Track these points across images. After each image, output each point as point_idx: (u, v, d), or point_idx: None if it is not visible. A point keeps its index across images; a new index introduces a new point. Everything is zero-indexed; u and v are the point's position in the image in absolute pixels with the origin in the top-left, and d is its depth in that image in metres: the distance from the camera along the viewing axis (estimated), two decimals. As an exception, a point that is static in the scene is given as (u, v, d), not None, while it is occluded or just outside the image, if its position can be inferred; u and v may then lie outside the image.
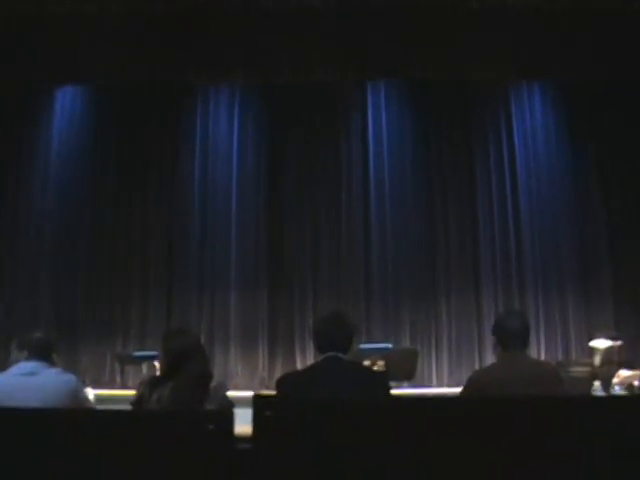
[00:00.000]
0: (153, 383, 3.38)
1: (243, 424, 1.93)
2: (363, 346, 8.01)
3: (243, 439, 1.79)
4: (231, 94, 10.13)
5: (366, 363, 6.75)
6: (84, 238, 9.73)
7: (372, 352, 7.54)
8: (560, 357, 9.17)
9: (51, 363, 3.82)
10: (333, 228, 9.83)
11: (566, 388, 3.73)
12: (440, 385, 9.15)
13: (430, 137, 10.04)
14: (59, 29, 8.69)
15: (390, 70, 9.19)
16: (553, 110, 10.02)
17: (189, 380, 3.32)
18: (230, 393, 3.59)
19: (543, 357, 8.99)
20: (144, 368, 8.32)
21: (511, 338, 3.46)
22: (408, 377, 7.91)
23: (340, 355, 3.36)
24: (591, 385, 6.39)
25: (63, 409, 3.13)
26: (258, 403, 1.69)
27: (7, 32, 8.61)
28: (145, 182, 9.94)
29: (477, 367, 8.52)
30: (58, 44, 8.81)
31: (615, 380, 5.67)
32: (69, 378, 3.77)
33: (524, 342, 3.51)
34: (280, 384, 3.34)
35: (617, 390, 5.86)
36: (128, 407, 3.41)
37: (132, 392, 3.54)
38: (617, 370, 6.63)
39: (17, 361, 3.79)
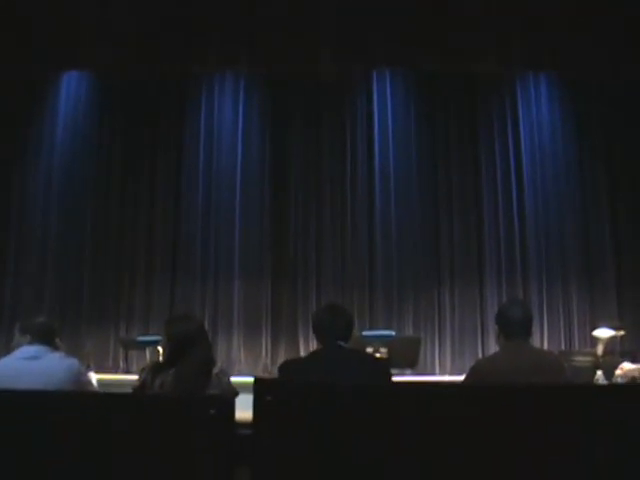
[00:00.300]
0: (155, 369, 3.39)
1: (246, 410, 1.92)
2: (366, 333, 8.02)
3: (246, 425, 1.80)
4: (236, 82, 10.10)
5: (369, 350, 6.77)
6: (88, 223, 9.73)
7: (375, 339, 7.54)
8: (563, 346, 9.17)
9: (54, 347, 3.84)
10: (337, 216, 9.82)
11: (569, 377, 3.73)
12: (443, 373, 9.16)
13: (436, 128, 10.00)
14: (64, 15, 8.69)
15: (396, 59, 9.18)
16: (560, 102, 9.97)
17: (192, 366, 3.33)
18: (233, 379, 3.60)
19: (546, 346, 8.99)
20: (148, 353, 8.34)
21: (514, 327, 3.47)
22: (411, 365, 7.91)
23: (342, 343, 3.38)
24: (594, 375, 6.38)
25: (65, 391, 3.14)
26: (258, 387, 1.70)
27: (13, 17, 8.61)
28: (150, 169, 9.94)
29: (480, 356, 8.52)
30: (63, 30, 8.82)
31: (618, 372, 5.66)
32: (72, 362, 3.79)
33: (527, 331, 3.52)
34: (282, 370, 3.36)
35: (619, 381, 5.85)
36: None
37: (135, 377, 3.55)
38: (620, 360, 6.62)
39: (20, 345, 3.81)
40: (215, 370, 3.43)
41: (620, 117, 9.61)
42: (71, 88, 10.01)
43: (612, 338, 7.47)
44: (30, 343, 3.77)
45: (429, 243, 9.73)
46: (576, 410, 1.80)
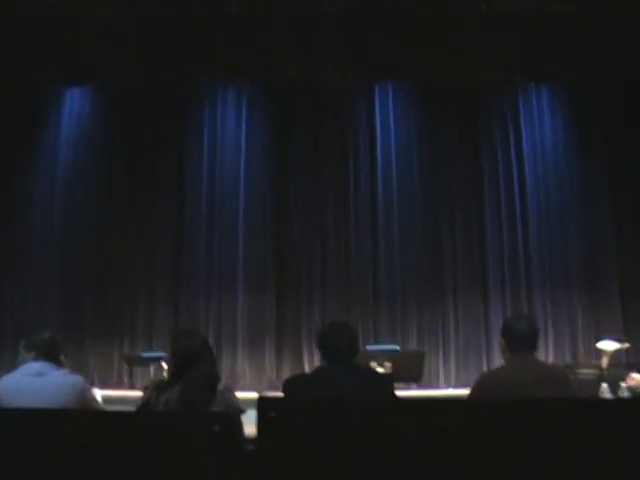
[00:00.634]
0: (160, 387, 3.38)
1: (251, 426, 1.92)
2: (370, 347, 8.02)
3: (250, 441, 1.80)
4: (238, 95, 10.14)
5: (373, 364, 6.76)
6: (92, 238, 9.74)
7: (379, 354, 7.53)
8: (568, 359, 9.15)
9: (59, 364, 3.84)
10: (341, 230, 9.82)
11: (574, 391, 3.72)
12: (447, 387, 9.13)
13: (438, 140, 10.01)
14: (67, 30, 8.74)
15: (397, 71, 9.20)
16: (561, 113, 9.99)
17: (197, 382, 3.33)
18: (237, 394, 3.59)
19: (551, 359, 8.97)
20: (152, 369, 8.34)
21: (520, 341, 3.47)
22: (415, 379, 7.90)
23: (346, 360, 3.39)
24: (599, 387, 6.37)
25: (70, 410, 3.14)
26: (262, 405, 1.70)
27: (17, 32, 8.66)
28: (153, 183, 9.95)
29: (485, 369, 8.49)
30: (66, 45, 8.86)
31: (630, 382, 5.64)
32: (76, 379, 3.79)
33: (533, 345, 3.52)
34: (286, 386, 3.36)
35: (625, 393, 5.84)
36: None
37: (139, 393, 3.54)
38: (624, 372, 6.60)
39: (25, 362, 3.81)
40: (220, 386, 3.43)
41: (623, 127, 9.61)
42: (74, 102, 10.05)
43: (617, 351, 7.45)
44: (35, 359, 3.77)
45: (432, 256, 9.72)
46: (582, 424, 1.80)
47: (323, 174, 9.92)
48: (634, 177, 9.66)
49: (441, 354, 9.45)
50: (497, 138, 9.96)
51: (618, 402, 3.22)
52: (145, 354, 8.52)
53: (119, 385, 9.04)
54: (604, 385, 6.41)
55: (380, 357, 7.31)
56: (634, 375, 5.71)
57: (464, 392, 3.65)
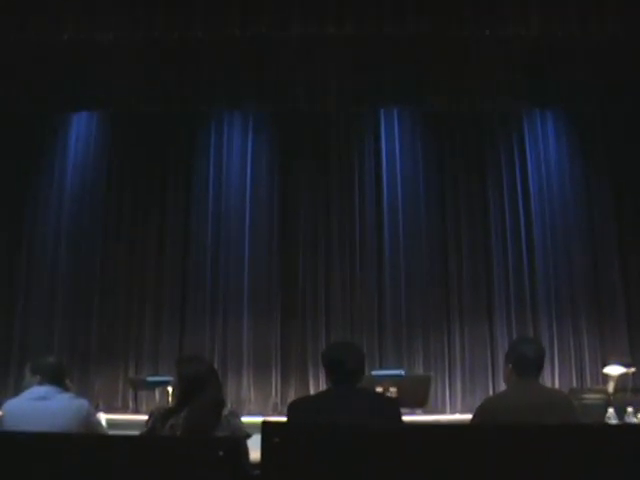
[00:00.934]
0: (165, 413, 3.38)
1: (256, 450, 1.92)
2: (375, 372, 7.98)
3: (256, 465, 1.79)
4: (244, 120, 10.20)
5: (378, 389, 6.73)
6: (97, 263, 9.77)
7: (384, 378, 7.50)
8: (574, 384, 9.09)
9: (64, 388, 3.84)
10: (346, 255, 9.83)
11: (578, 416, 3.69)
12: (453, 412, 9.08)
13: (443, 165, 10.03)
14: (76, 57, 8.81)
15: (403, 97, 9.25)
16: (567, 138, 10.01)
17: (202, 408, 3.32)
18: (243, 419, 3.58)
19: (557, 384, 8.92)
20: (157, 393, 8.33)
21: (527, 365, 3.43)
22: (421, 404, 7.86)
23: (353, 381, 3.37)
24: (605, 412, 6.32)
25: (74, 434, 3.14)
26: (266, 429, 1.70)
27: (25, 58, 8.74)
28: (159, 208, 9.99)
29: (490, 394, 8.45)
30: (74, 71, 8.94)
31: None
32: (81, 403, 3.79)
33: (539, 369, 3.49)
34: (292, 409, 3.34)
35: (632, 418, 5.80)
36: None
37: (145, 417, 3.53)
38: (632, 397, 6.58)
39: (30, 385, 3.81)
40: (225, 412, 3.42)
41: (627, 152, 9.62)
42: (80, 128, 10.13)
43: (623, 375, 7.41)
44: (40, 383, 3.77)
45: (438, 281, 9.71)
46: (587, 449, 1.79)
47: (328, 201, 9.94)
48: (639, 201, 9.65)
49: (447, 379, 9.41)
50: (502, 164, 9.97)
51: (624, 428, 3.19)
52: (150, 378, 8.49)
53: (124, 409, 9.02)
54: (610, 410, 6.36)
55: (385, 382, 7.28)
56: None
57: (470, 417, 3.63)
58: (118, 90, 9.15)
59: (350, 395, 3.31)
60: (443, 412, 9.04)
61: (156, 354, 9.49)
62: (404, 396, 7.07)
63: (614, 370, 7.48)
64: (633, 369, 7.67)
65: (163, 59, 8.92)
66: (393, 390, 7.13)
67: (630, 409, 5.70)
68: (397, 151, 10.03)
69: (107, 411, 7.00)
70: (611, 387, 7.19)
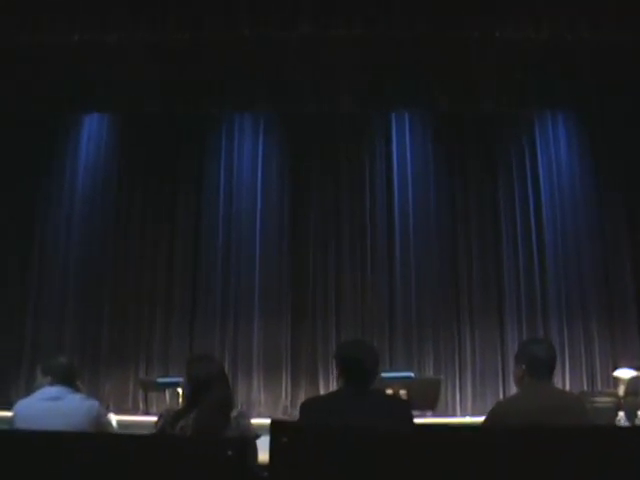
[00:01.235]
0: (175, 415, 3.38)
1: (265, 452, 1.92)
2: (385, 375, 7.95)
3: (264, 467, 1.79)
4: (255, 122, 10.22)
5: (388, 392, 6.71)
6: (108, 265, 9.80)
7: (394, 381, 7.50)
8: (585, 387, 9.06)
9: (75, 388, 3.84)
10: (356, 257, 9.83)
11: (590, 419, 3.66)
12: (464, 415, 9.06)
13: (454, 167, 10.03)
14: (85, 58, 8.85)
15: (413, 100, 9.24)
16: (578, 140, 9.99)
17: (211, 409, 3.31)
18: (253, 421, 3.57)
19: (568, 387, 8.89)
20: (167, 394, 8.35)
21: (539, 366, 3.38)
22: (431, 407, 7.85)
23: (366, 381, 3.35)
24: (615, 416, 6.30)
25: (85, 433, 3.14)
26: (275, 429, 1.70)
27: (36, 59, 8.78)
28: (170, 210, 10.02)
29: (501, 397, 8.43)
30: (86, 73, 8.98)
31: None
32: (92, 404, 3.80)
33: (551, 371, 3.44)
34: (304, 409, 3.32)
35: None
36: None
37: (155, 419, 3.53)
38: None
39: (42, 386, 3.82)
40: (234, 413, 3.40)
41: (639, 153, 9.57)
42: (92, 131, 10.18)
43: (634, 378, 7.37)
44: (51, 384, 3.78)
45: (449, 283, 9.70)
46: (598, 452, 1.78)
47: (339, 203, 9.96)
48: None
49: (457, 382, 9.40)
50: (513, 166, 9.97)
51: (635, 430, 3.17)
52: (161, 380, 8.52)
53: (134, 410, 9.05)
54: (621, 413, 6.34)
55: (395, 384, 7.27)
56: None
57: (480, 420, 3.61)
58: (129, 92, 9.19)
59: (362, 396, 3.29)
60: (453, 415, 9.02)
61: (166, 355, 9.52)
62: (414, 398, 7.06)
63: (625, 373, 7.44)
64: (644, 372, 7.62)
65: (173, 60, 8.94)
66: (403, 392, 7.11)
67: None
68: (408, 153, 10.03)
69: (117, 412, 7.04)
70: (622, 390, 7.16)
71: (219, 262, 9.82)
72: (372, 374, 3.37)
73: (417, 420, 4.62)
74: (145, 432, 3.42)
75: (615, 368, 8.05)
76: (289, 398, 9.34)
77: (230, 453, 1.68)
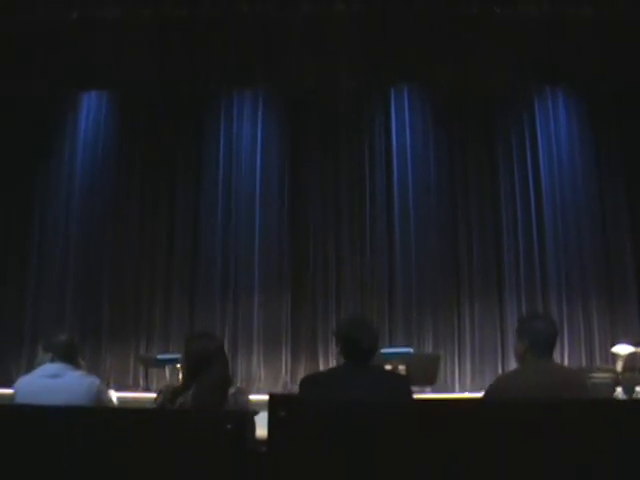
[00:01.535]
0: (173, 393, 3.39)
1: (263, 427, 1.92)
2: (384, 350, 7.98)
3: (262, 442, 1.80)
4: (254, 100, 10.17)
5: (387, 367, 6.74)
6: (108, 241, 9.79)
7: (393, 356, 7.52)
8: (584, 363, 9.09)
9: (76, 365, 3.86)
10: (356, 233, 9.83)
11: (590, 394, 3.67)
12: (462, 391, 9.10)
13: (454, 146, 9.99)
14: (85, 35, 8.80)
15: (413, 75, 9.20)
16: (577, 116, 9.94)
17: (209, 385, 3.32)
18: (253, 397, 3.59)
19: (566, 363, 8.91)
20: (167, 371, 8.37)
21: (542, 343, 3.36)
22: (430, 382, 7.88)
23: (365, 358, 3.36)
24: (613, 391, 6.32)
25: (85, 407, 3.16)
26: (273, 403, 1.70)
27: (33, 37, 8.73)
28: (169, 188, 10.00)
29: (500, 373, 8.45)
30: (84, 49, 8.92)
31: None
32: (92, 380, 3.81)
33: (552, 347, 3.43)
34: (303, 385, 3.35)
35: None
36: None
37: (155, 395, 3.55)
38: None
39: (42, 363, 3.84)
40: (232, 390, 3.41)
41: (638, 128, 9.54)
42: (90, 108, 10.12)
43: (632, 354, 7.38)
44: (52, 361, 3.80)
45: (448, 260, 9.70)
46: (597, 425, 1.79)
47: (339, 180, 9.93)
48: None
49: (456, 358, 9.42)
50: (513, 142, 9.93)
51: (634, 403, 3.18)
52: (161, 356, 8.54)
53: (135, 387, 9.08)
54: (618, 389, 6.37)
55: (394, 360, 7.29)
56: None
57: (479, 396, 3.61)
58: (127, 69, 9.13)
59: (361, 372, 3.31)
60: (452, 391, 9.06)
61: (167, 332, 9.55)
62: (413, 374, 7.07)
63: (623, 349, 7.45)
64: (643, 349, 7.64)
65: (172, 38, 8.89)
66: (402, 368, 7.13)
67: (638, 388, 5.70)
68: (407, 131, 9.99)
69: (118, 389, 7.08)
70: (620, 366, 7.17)
71: (219, 239, 9.81)
72: (371, 352, 3.40)
73: (416, 396, 4.64)
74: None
75: (613, 344, 8.07)
76: (289, 374, 9.37)
77: (229, 427, 1.69)
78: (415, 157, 9.92)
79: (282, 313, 9.59)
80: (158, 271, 9.78)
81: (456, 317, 9.56)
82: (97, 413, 2.16)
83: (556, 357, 8.54)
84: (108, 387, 4.77)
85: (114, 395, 4.73)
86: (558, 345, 8.80)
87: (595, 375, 7.05)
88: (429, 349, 9.35)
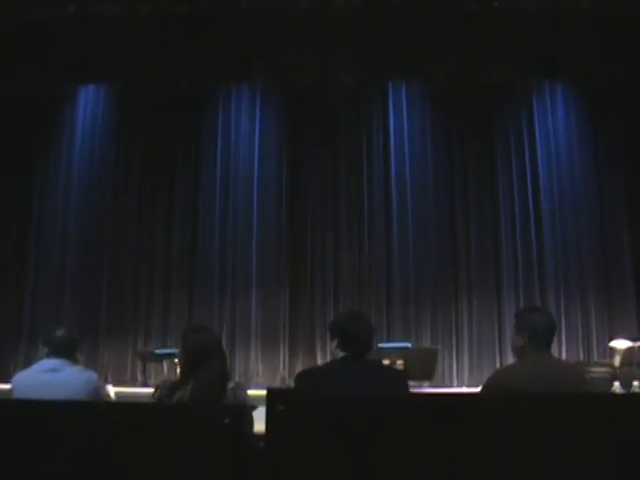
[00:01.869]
0: (171, 388, 3.38)
1: (262, 422, 1.92)
2: (382, 345, 8.00)
3: (260, 437, 1.79)
4: (252, 94, 10.16)
5: (385, 362, 6.74)
6: (107, 236, 9.80)
7: (391, 351, 7.53)
8: (581, 357, 9.11)
9: (74, 360, 3.85)
10: (354, 228, 9.83)
11: (588, 388, 3.66)
12: (460, 386, 9.11)
13: (451, 140, 9.99)
14: (84, 30, 8.79)
15: (411, 70, 9.18)
16: (576, 110, 9.94)
17: (208, 380, 3.32)
18: (251, 392, 3.58)
19: (564, 358, 8.92)
20: (165, 366, 8.37)
21: (540, 336, 3.35)
22: (427, 377, 7.88)
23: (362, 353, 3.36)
24: (611, 386, 6.34)
25: (83, 402, 3.15)
26: (271, 397, 1.69)
27: (32, 32, 8.71)
28: (168, 182, 10.00)
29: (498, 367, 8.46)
30: (82, 44, 8.91)
31: None
32: (90, 375, 3.81)
33: (550, 340, 3.43)
34: (299, 380, 3.34)
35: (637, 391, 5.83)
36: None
37: (153, 390, 3.54)
38: (638, 371, 6.59)
39: (43, 358, 3.84)
40: (230, 385, 3.41)
41: (637, 123, 9.53)
42: (88, 102, 10.13)
43: (629, 349, 7.40)
44: (49, 356, 3.79)
45: (446, 255, 9.71)
46: (595, 419, 1.79)
47: (337, 174, 9.95)
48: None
49: (454, 353, 9.43)
50: (511, 136, 9.93)
51: (632, 397, 3.18)
52: (158, 351, 8.55)
53: (133, 382, 9.09)
54: (616, 383, 6.38)
55: (392, 354, 7.29)
56: None
57: (477, 391, 3.61)
58: (125, 63, 9.12)
59: (358, 366, 3.30)
60: (450, 385, 9.07)
61: (165, 327, 9.56)
62: (411, 369, 7.08)
63: (620, 344, 7.47)
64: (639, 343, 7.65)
65: (170, 32, 8.88)
66: (400, 362, 7.13)
67: (636, 383, 5.71)
68: (405, 126, 9.99)
69: (116, 384, 7.07)
70: (617, 361, 7.19)
71: (217, 234, 9.81)
72: (367, 346, 3.39)
73: (414, 390, 4.65)
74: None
75: (611, 339, 8.08)
76: (287, 369, 9.38)
77: (227, 421, 1.68)
78: (413, 152, 9.91)
79: (280, 308, 9.59)
80: (156, 266, 9.79)
81: (454, 312, 9.57)
82: (94, 407, 2.16)
83: (554, 352, 8.52)
84: (106, 382, 4.76)
85: (112, 390, 4.73)
86: (556, 340, 8.79)
87: (593, 370, 7.06)
88: (427, 344, 9.35)
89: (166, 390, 3.37)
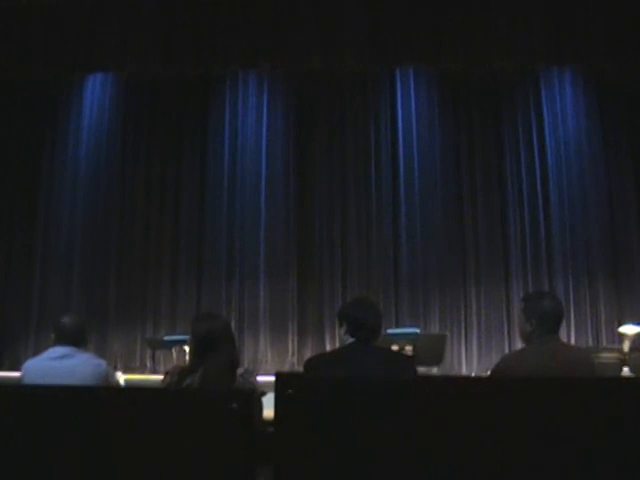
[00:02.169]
0: (180, 374, 3.39)
1: (271, 409, 1.92)
2: (391, 331, 8.00)
3: (269, 423, 1.80)
4: (259, 83, 10.14)
5: (394, 348, 6.75)
6: (115, 224, 9.82)
7: (400, 337, 7.53)
8: (590, 343, 9.09)
9: (83, 348, 3.87)
10: (362, 214, 9.81)
11: (597, 373, 3.65)
12: (469, 371, 9.12)
13: (459, 125, 9.95)
14: (89, 17, 8.77)
15: (418, 55, 9.13)
16: (584, 96, 9.87)
17: (217, 366, 3.33)
18: (260, 378, 3.59)
19: (573, 343, 8.91)
20: (174, 353, 8.39)
21: (549, 322, 3.34)
22: (436, 362, 7.89)
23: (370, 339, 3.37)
24: (620, 371, 6.32)
25: (91, 387, 3.16)
26: (280, 381, 1.70)
27: (37, 19, 8.71)
28: (175, 170, 10.01)
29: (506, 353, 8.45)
30: (88, 32, 8.89)
31: None
32: (99, 363, 3.82)
33: (558, 325, 3.41)
34: (308, 366, 3.35)
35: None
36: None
37: (162, 377, 3.55)
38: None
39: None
40: (240, 371, 3.42)
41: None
42: (95, 91, 10.12)
43: (639, 334, 7.38)
44: (60, 343, 3.80)
45: (454, 240, 9.68)
46: (604, 403, 1.79)
47: (345, 162, 9.91)
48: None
49: (463, 338, 9.42)
50: (519, 122, 9.87)
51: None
52: (167, 338, 8.56)
53: (142, 369, 9.12)
54: (625, 369, 6.37)
55: (401, 340, 7.30)
56: None
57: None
58: (132, 51, 9.09)
59: (367, 352, 3.32)
60: (459, 371, 9.07)
61: (174, 314, 9.58)
62: (419, 354, 7.09)
63: (629, 329, 7.45)
64: (649, 328, 7.63)
65: (176, 17, 8.86)
66: (408, 348, 7.15)
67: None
68: (413, 112, 9.95)
69: (125, 371, 7.11)
70: (626, 346, 7.17)
71: (225, 221, 9.81)
72: (375, 332, 3.40)
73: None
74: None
75: (620, 324, 8.06)
76: (295, 355, 9.40)
77: (235, 406, 1.69)
78: (421, 138, 9.88)
79: (288, 295, 9.60)
80: (165, 253, 9.80)
81: (462, 297, 9.55)
82: (104, 393, 2.17)
83: (563, 337, 8.53)
84: (115, 370, 4.78)
85: (121, 377, 4.75)
86: (564, 326, 8.83)
87: (602, 355, 7.04)
88: (435, 329, 9.34)
89: (176, 376, 3.38)
